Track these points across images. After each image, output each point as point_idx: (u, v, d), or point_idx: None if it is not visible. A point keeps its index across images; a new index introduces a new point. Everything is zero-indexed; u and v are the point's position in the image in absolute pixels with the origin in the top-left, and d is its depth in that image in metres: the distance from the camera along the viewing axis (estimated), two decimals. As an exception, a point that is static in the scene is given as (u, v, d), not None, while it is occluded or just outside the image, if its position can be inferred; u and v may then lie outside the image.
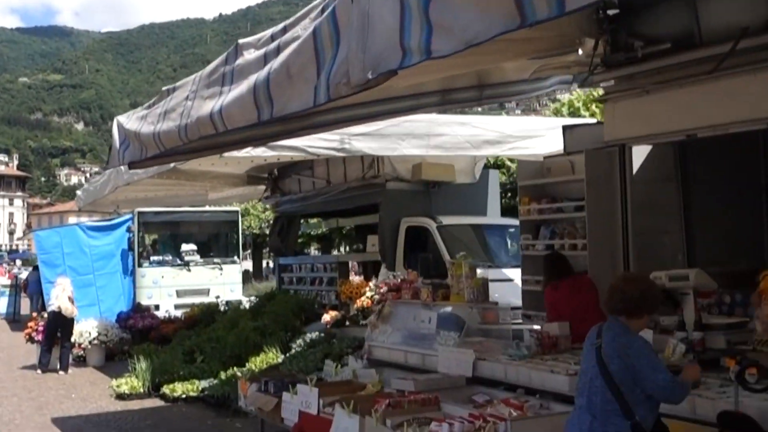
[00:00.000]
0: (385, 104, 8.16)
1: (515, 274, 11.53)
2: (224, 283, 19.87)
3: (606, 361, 4.25)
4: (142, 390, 11.15)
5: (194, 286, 19.60)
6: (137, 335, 15.30)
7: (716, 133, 6.76)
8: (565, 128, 9.28)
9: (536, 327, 7.31)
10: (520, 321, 11.52)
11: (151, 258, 19.88)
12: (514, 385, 6.37)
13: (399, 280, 11.39)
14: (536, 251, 8.53)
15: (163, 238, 21.87)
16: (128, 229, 19.31)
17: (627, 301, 4.34)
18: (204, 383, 10.76)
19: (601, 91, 19.44)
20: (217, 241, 21.57)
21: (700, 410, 4.81)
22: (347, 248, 17.05)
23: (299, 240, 18.46)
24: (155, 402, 10.83)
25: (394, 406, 5.79)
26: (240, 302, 16.38)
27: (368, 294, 11.39)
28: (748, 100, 6.15)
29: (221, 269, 20.05)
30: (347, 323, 11.04)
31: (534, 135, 12.05)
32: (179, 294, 19.45)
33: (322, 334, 11.07)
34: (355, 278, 13.00)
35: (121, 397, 11.11)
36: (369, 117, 8.66)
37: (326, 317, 11.30)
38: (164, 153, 7.02)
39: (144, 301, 18.68)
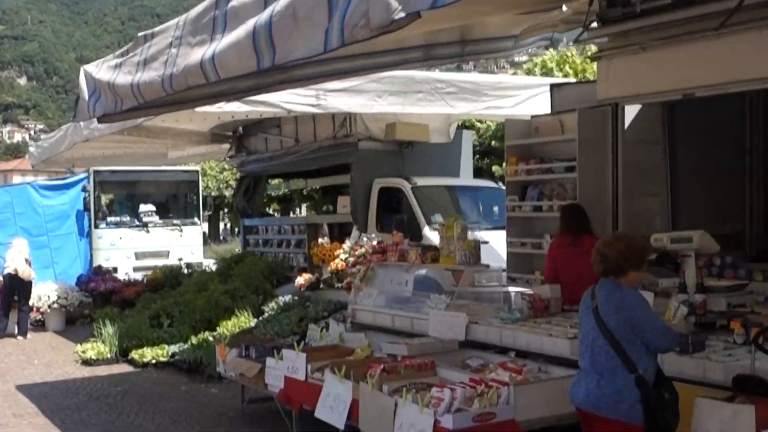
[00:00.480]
0: (367, 59, 7.85)
1: (491, 236, 11.43)
2: (185, 245, 19.36)
3: (604, 319, 4.31)
4: (109, 355, 10.74)
5: (153, 248, 19.06)
6: (99, 299, 14.80)
7: (715, 92, 6.61)
8: (552, 87, 9.11)
9: (519, 290, 7.13)
10: (496, 284, 11.48)
11: (108, 219, 19.26)
12: (505, 348, 6.21)
13: (376, 243, 11.20)
14: (523, 213, 8.35)
15: (120, 198, 21.22)
16: (83, 189, 18.59)
17: (610, 263, 4.43)
18: (174, 348, 10.42)
19: (574, 51, 19.32)
20: (176, 201, 21.00)
21: (710, 374, 4.74)
22: (314, 210, 16.64)
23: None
24: (123, 368, 10.45)
25: (389, 372, 5.56)
26: (205, 265, 15.98)
27: (342, 256, 11.12)
28: (754, 59, 5.97)
29: (181, 231, 19.53)
30: (321, 286, 10.74)
31: (511, 94, 11.84)
32: (138, 256, 18.91)
33: (296, 298, 10.78)
34: (324, 240, 12.70)
35: (87, 362, 10.71)
36: (350, 72, 8.34)
37: (300, 280, 11.00)
38: (142, 105, 6.61)
39: (101, 264, 18.14)
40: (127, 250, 18.85)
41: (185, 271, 15.24)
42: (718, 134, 8.39)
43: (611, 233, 6.12)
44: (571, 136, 7.89)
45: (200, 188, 21.00)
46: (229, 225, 42.16)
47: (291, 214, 23.59)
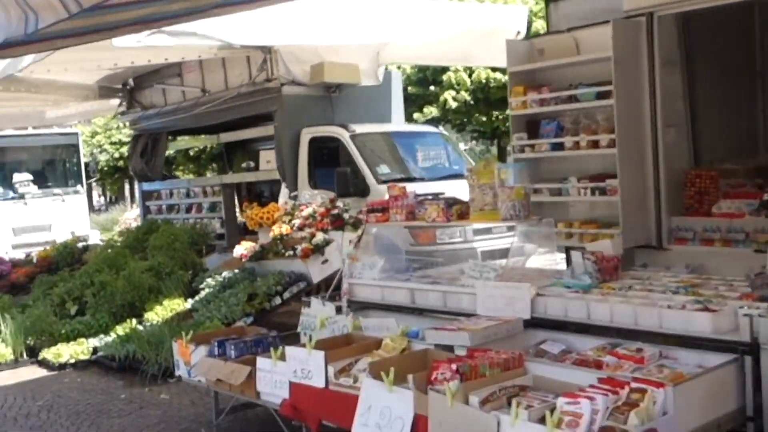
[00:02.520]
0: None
1: (444, 187, 10.26)
2: (68, 216, 17.03)
3: None
4: (12, 357, 8.66)
5: (33, 222, 16.66)
6: None
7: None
8: (548, 2, 7.75)
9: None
10: (460, 239, 10.17)
11: (-22, 192, 16.71)
12: (578, 325, 4.85)
13: (319, 202, 9.60)
14: (536, 152, 6.92)
15: (-11, 166, 18.52)
16: (-57, 158, 15.98)
17: None
18: (94, 342, 8.48)
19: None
20: (54, 168, 18.50)
21: None
22: (221, 169, 14.74)
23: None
24: (35, 371, 8.38)
25: (466, 374, 4.08)
26: (108, 238, 13.82)
27: (284, 219, 9.46)
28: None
29: (63, 200, 17.16)
30: (270, 256, 9.05)
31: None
32: (16, 232, 16.49)
33: (236, 271, 9.05)
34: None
35: None
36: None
37: (240, 249, 9.21)
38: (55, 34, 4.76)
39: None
40: (3, 225, 16.36)
41: (81, 245, 13.03)
42: (730, 55, 7.34)
43: None
44: (592, 56, 6.58)
45: (81, 152, 18.52)
46: (107, 193, 39.01)
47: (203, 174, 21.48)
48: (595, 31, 6.64)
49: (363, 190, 10.39)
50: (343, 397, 4.57)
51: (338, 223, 9.01)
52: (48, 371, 8.29)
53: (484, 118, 20.91)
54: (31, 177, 16.99)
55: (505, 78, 19.68)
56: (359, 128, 11.04)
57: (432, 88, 20.81)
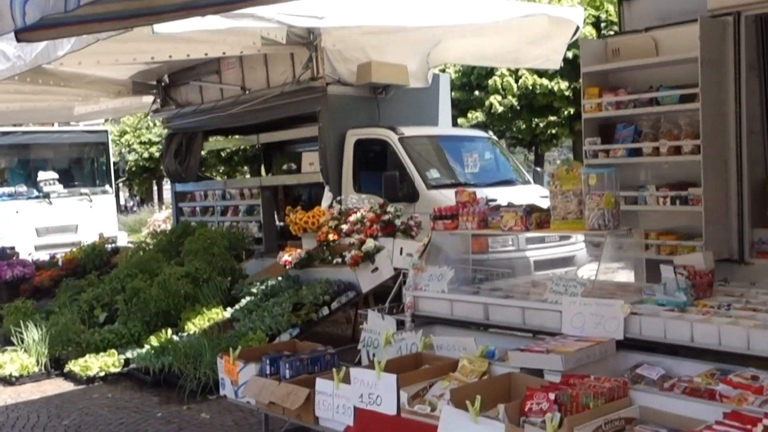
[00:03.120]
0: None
1: (497, 194, 9.72)
2: (96, 217, 16.55)
3: None
4: (36, 369, 7.99)
5: (58, 222, 16.20)
6: (3, 289, 11.81)
7: None
8: (621, 1, 7.18)
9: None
10: (513, 248, 9.57)
11: (0, 190, 16.24)
12: (677, 347, 4.29)
13: (367, 207, 9.05)
14: (612, 158, 6.32)
15: (14, 164, 17.91)
16: (-32, 154, 15.56)
17: None
18: (125, 353, 7.90)
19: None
20: (81, 167, 18.02)
21: None
22: (259, 171, 14.19)
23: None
24: (60, 385, 7.75)
25: (566, 405, 3.50)
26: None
27: (330, 224, 8.90)
28: None
29: (90, 201, 16.68)
30: (316, 263, 8.48)
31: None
32: (39, 233, 16.02)
33: (280, 279, 8.48)
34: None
35: (7, 381, 7.79)
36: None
37: (284, 256, 8.67)
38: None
39: (-4, 244, 15.17)
40: (26, 225, 15.90)
41: (109, 247, 12.53)
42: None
43: None
44: (676, 57, 6.02)
45: (110, 151, 18.05)
46: (135, 194, 38.67)
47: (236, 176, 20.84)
48: (675, 31, 6.19)
49: (411, 196, 9.86)
50: (418, 427, 4.02)
51: (389, 229, 8.46)
52: (75, 385, 7.68)
53: (524, 126, 20.30)
54: (56, 176, 16.52)
55: (551, 84, 19.33)
56: (408, 131, 10.50)
57: (476, 93, 20.17)
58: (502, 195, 9.92)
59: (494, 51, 11.31)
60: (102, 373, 7.64)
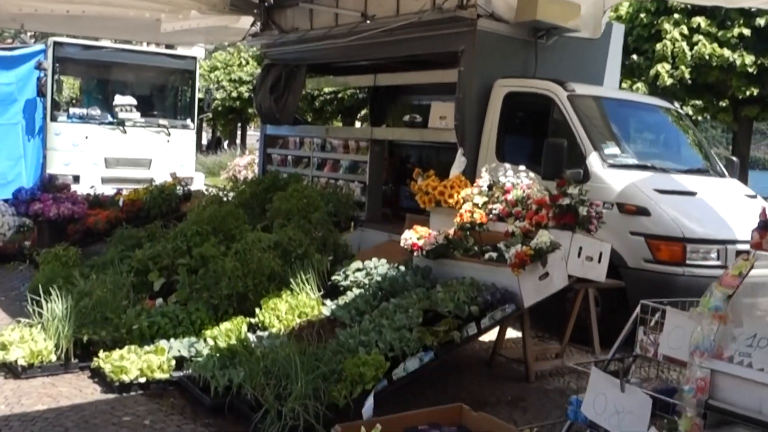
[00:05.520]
0: None
1: (691, 183, 7.27)
2: (172, 154, 14.46)
3: None
4: (54, 357, 5.50)
5: (131, 154, 14.15)
6: (46, 228, 9.64)
7: None
8: None
9: None
10: (717, 262, 6.98)
11: (71, 111, 14.21)
12: None
13: (527, 182, 6.55)
14: None
15: (89, 84, 15.85)
16: (38, 66, 13.43)
17: None
18: (179, 346, 5.54)
19: None
20: (163, 96, 15.86)
21: None
22: (367, 121, 11.73)
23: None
24: (80, 386, 5.30)
25: None
26: (208, 189, 11.08)
27: (477, 200, 6.44)
28: None
29: (169, 134, 14.55)
30: (456, 254, 6.01)
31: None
32: (109, 163, 13.99)
33: (401, 268, 6.08)
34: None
35: (11, 370, 5.45)
36: None
37: (411, 237, 6.22)
38: None
39: (58, 170, 13.13)
40: (95, 154, 13.89)
41: (180, 191, 10.28)
42: None
43: None
44: None
45: (197, 81, 15.85)
46: (219, 133, 36.84)
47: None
48: None
49: (579, 175, 7.26)
50: None
51: (567, 218, 5.89)
52: (101, 391, 5.25)
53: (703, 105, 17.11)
54: (134, 102, 14.40)
55: (733, 56, 16.22)
56: (581, 89, 7.91)
57: (635, 57, 16.97)
58: (695, 186, 7.49)
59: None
60: (142, 379, 5.23)
